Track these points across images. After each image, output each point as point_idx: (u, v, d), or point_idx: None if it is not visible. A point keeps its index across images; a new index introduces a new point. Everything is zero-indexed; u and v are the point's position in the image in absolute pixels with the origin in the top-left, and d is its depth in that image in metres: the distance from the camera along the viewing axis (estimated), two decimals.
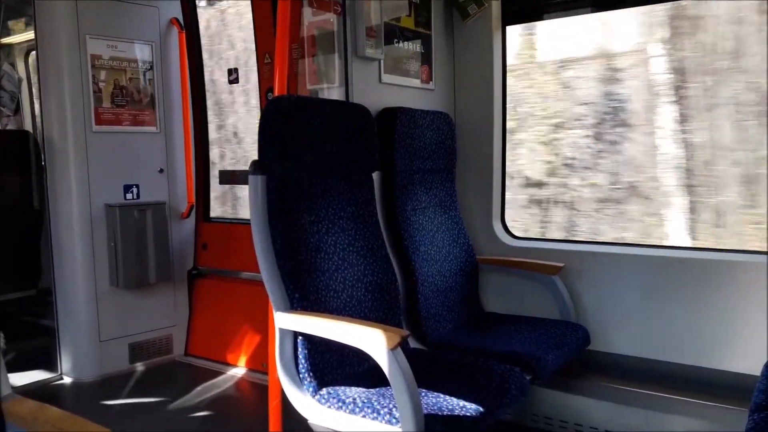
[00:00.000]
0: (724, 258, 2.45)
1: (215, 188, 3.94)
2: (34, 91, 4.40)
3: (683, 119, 3.09)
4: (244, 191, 4.32)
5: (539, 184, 3.67)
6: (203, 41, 3.75)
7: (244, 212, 4.42)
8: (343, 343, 1.78)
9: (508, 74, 3.01)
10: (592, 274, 2.66)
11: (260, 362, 3.23)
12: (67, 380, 3.24)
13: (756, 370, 1.91)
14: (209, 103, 3.85)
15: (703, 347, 2.41)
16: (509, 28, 2.98)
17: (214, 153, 4.32)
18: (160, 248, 3.44)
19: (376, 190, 2.41)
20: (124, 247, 3.28)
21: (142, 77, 3.45)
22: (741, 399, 2.13)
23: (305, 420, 1.90)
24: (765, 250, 2.43)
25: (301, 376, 1.90)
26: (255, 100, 4.24)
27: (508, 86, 3.01)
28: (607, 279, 2.63)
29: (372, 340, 1.68)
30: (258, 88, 3.22)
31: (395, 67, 2.73)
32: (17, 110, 4.46)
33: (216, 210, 3.98)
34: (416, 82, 2.84)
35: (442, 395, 1.76)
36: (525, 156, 3.67)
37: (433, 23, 2.90)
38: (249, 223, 1.98)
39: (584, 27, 3.10)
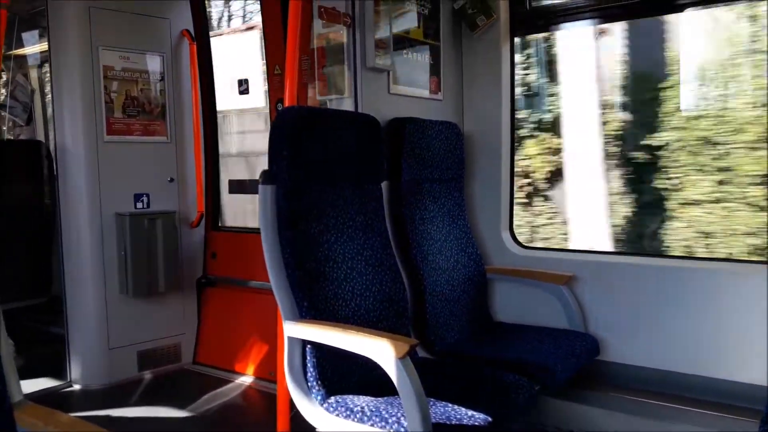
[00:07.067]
0: (735, 268, 2.44)
1: None
2: (47, 101, 4.45)
3: None
4: None
5: None
6: None
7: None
8: (351, 352, 1.78)
9: None
10: (601, 284, 2.65)
11: (268, 371, 3.24)
12: (76, 387, 3.25)
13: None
14: None
15: (713, 357, 2.39)
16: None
17: None
18: (170, 257, 3.46)
19: (385, 199, 2.41)
20: (133, 256, 3.30)
21: (153, 88, 3.49)
22: (752, 409, 2.11)
23: (313, 429, 1.91)
24: None
25: (309, 384, 1.90)
26: None
27: None
28: (616, 289, 2.62)
29: (380, 349, 1.69)
30: (268, 99, 3.25)
31: (404, 77, 2.74)
32: (30, 120, 4.53)
33: None
34: (425, 93, 2.85)
35: (450, 404, 1.76)
36: None
37: (441, 34, 2.92)
38: (258, 233, 1.99)
39: None
